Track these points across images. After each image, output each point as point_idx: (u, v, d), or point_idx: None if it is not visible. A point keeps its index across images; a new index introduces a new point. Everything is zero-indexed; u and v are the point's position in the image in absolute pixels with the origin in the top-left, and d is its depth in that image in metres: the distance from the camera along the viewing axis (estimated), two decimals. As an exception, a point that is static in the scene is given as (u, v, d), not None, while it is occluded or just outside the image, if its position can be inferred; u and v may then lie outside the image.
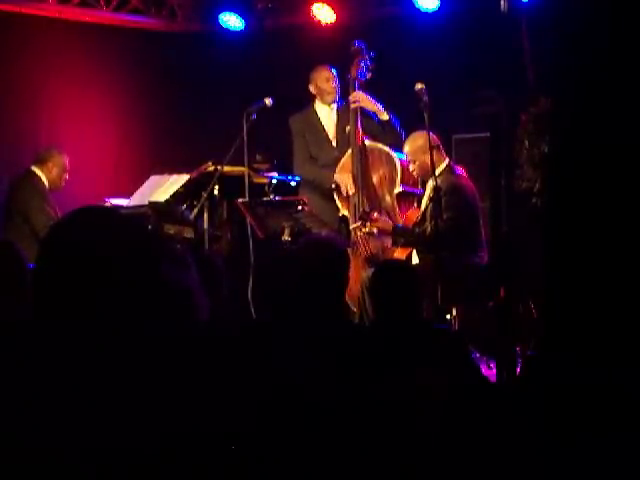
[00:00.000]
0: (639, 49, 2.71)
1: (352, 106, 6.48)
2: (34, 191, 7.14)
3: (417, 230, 5.96)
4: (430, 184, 5.81)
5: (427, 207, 5.92)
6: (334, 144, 6.71)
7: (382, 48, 6.79)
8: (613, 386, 2.46)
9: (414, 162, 6.05)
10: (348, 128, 6.54)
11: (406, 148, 6.12)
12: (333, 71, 6.72)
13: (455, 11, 7.46)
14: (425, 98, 5.82)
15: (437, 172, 5.81)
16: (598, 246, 2.58)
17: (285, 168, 7.00)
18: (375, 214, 6.10)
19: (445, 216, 5.72)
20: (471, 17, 7.23)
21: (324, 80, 6.70)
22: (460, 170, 6.11)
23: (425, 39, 7.54)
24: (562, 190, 2.67)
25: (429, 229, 5.77)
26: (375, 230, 6.11)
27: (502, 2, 4.67)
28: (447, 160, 6.09)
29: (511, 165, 5.62)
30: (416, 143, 6.02)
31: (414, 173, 6.13)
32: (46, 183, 7.22)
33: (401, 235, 6.02)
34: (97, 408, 1.84)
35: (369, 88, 6.63)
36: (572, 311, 2.60)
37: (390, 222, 6.08)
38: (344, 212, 6.51)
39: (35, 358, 1.87)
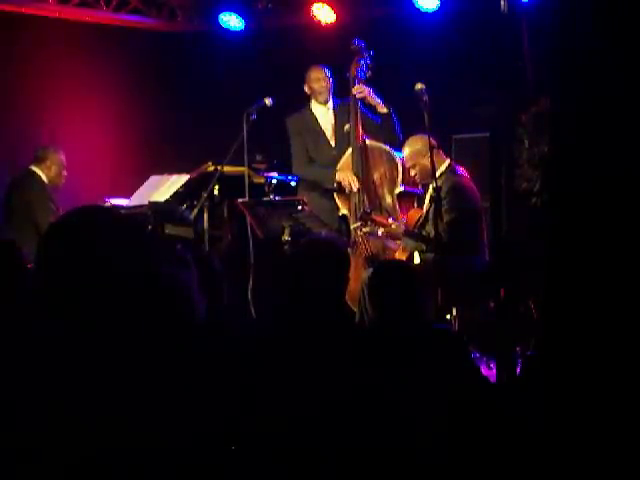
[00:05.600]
0: (639, 49, 2.71)
1: (358, 96, 6.50)
2: (37, 191, 7.21)
3: (422, 232, 5.94)
4: (432, 185, 5.80)
5: (429, 208, 5.90)
6: (332, 143, 6.73)
7: (382, 48, 6.79)
8: (611, 385, 2.46)
9: (414, 167, 6.03)
10: (347, 127, 6.55)
11: (405, 152, 6.09)
12: (325, 71, 6.74)
13: (455, 11, 7.46)
14: (425, 98, 5.82)
15: (438, 173, 5.81)
16: (598, 246, 2.58)
17: (285, 168, 7.00)
18: (391, 220, 6.06)
19: (447, 217, 5.72)
20: (471, 17, 7.23)
21: (315, 80, 6.75)
22: (461, 170, 6.10)
23: (425, 39, 7.54)
24: (562, 190, 2.67)
25: (437, 231, 5.76)
26: (380, 232, 6.08)
27: (502, 2, 4.67)
28: (448, 161, 6.07)
29: (511, 165, 5.62)
30: (415, 147, 6.00)
31: (416, 178, 6.10)
32: (46, 181, 7.30)
33: (412, 238, 5.99)
34: (97, 406, 1.84)
35: (370, 86, 6.62)
36: (572, 311, 2.60)
37: (401, 225, 6.04)
38: (344, 211, 6.51)
39: (35, 357, 1.87)
